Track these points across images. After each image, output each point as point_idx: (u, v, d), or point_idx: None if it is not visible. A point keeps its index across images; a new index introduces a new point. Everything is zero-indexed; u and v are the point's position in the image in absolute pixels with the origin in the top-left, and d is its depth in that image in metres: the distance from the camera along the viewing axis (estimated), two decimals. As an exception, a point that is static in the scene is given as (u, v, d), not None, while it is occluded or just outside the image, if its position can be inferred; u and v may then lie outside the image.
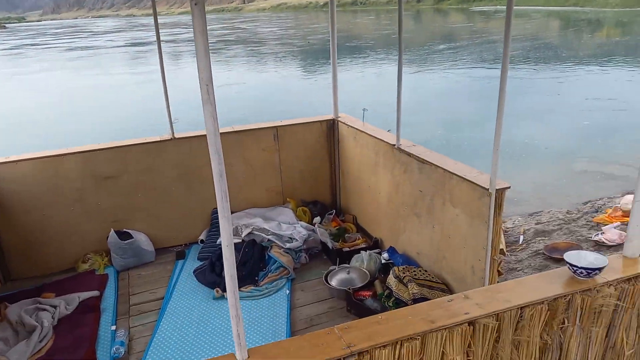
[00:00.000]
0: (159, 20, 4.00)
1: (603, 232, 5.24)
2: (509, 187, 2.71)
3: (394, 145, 3.64)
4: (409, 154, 3.48)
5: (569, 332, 1.82)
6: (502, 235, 5.94)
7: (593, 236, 5.33)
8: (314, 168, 4.75)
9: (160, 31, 3.96)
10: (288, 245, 4.09)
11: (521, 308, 1.71)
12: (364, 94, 13.78)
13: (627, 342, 1.91)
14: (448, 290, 3.26)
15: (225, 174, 1.35)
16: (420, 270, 3.44)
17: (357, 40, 30.38)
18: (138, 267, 4.07)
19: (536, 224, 6.23)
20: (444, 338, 1.63)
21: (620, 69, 17.80)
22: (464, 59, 22.02)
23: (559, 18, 39.42)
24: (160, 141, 4.17)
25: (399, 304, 3.24)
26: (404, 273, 3.37)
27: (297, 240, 4.11)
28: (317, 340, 1.57)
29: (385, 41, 32.10)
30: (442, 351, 1.65)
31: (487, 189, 2.68)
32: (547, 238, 5.72)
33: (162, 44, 4.06)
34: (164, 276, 3.93)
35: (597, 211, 6.26)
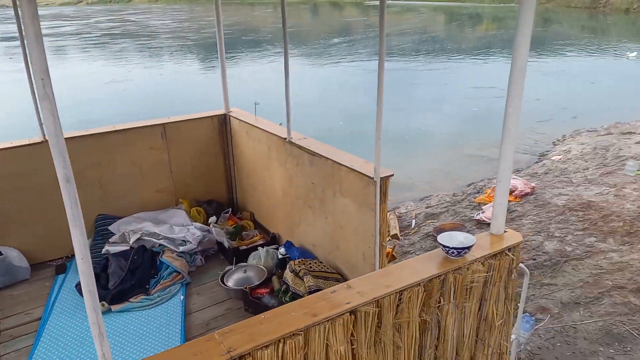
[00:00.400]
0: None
1: (483, 211, 5.70)
2: (393, 175, 2.81)
3: (286, 138, 3.62)
4: (300, 147, 3.48)
5: (445, 310, 1.92)
6: (397, 221, 6.23)
7: (475, 216, 5.77)
8: (208, 166, 4.59)
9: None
10: (182, 248, 3.91)
11: (400, 292, 1.76)
12: (263, 88, 13.69)
13: (497, 313, 2.06)
14: (342, 279, 3.33)
15: (73, 178, 1.21)
16: (315, 262, 3.46)
17: (254, 33, 30.04)
18: (10, 287, 3.65)
19: (426, 207, 6.60)
20: (326, 330, 1.63)
21: (498, 60, 19.54)
22: (359, 52, 22.74)
23: (444, 13, 42.21)
24: (30, 144, 3.77)
25: (296, 298, 3.23)
26: (299, 266, 3.37)
27: (191, 242, 3.94)
28: (197, 349, 1.49)
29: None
30: (326, 343, 1.65)
31: (373, 178, 2.75)
32: (436, 220, 6.09)
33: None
34: (41, 294, 3.57)
35: (478, 192, 6.79)
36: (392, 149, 10.23)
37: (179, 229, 4.11)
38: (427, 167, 9.11)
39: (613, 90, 13.51)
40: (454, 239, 1.91)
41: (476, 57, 20.03)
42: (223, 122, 4.48)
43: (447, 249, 1.87)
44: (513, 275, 2.05)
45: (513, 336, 2.61)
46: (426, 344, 1.95)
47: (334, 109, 12.84)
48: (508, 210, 6.01)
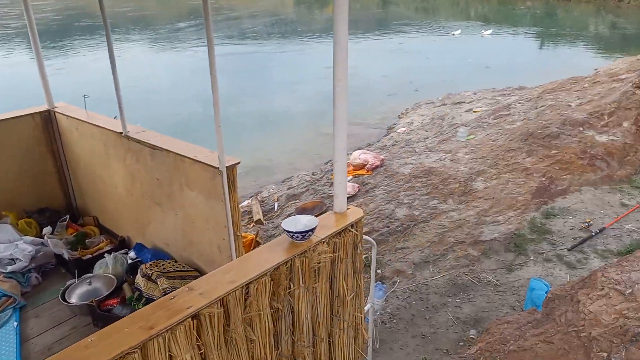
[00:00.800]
0: None
1: (341, 187, 5.92)
2: (239, 163, 2.70)
3: (121, 133, 3.29)
4: (139, 141, 3.19)
5: (297, 294, 1.89)
6: (259, 206, 6.18)
7: (332, 192, 5.97)
8: (35, 170, 4.00)
9: None
10: (10, 268, 3.38)
11: (246, 285, 1.69)
12: (101, 79, 12.52)
13: (347, 288, 2.10)
14: (201, 275, 3.16)
15: None
16: (169, 263, 3.24)
17: (89, 19, 27.25)
18: None
19: (287, 189, 6.67)
20: (167, 341, 1.49)
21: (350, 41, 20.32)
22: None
23: (292, -5, 42.76)
24: None
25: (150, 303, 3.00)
26: (151, 269, 3.13)
27: (21, 260, 3.42)
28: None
29: (125, 19, 29.72)
30: (170, 354, 1.51)
31: (218, 168, 2.62)
32: (297, 200, 6.18)
33: None
34: None
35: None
36: (253, 133, 10.15)
37: (4, 247, 3.54)
38: (287, 148, 9.20)
39: (444, 65, 14.99)
40: (299, 222, 1.89)
41: (326, 38, 20.70)
42: (47, 120, 3.93)
43: (291, 233, 1.83)
44: (359, 249, 2.10)
45: (368, 305, 2.73)
46: (281, 332, 1.92)
47: (190, 95, 12.29)
48: (362, 183, 6.32)
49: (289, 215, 5.90)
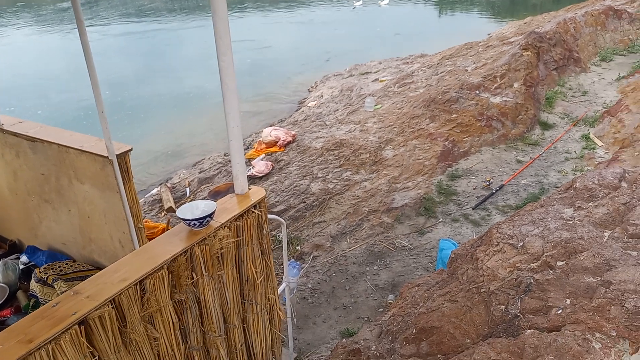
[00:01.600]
0: None
1: (253, 167, 5.80)
2: (131, 150, 2.51)
3: (-6, 126, 2.92)
4: (16, 134, 2.85)
5: (201, 284, 1.80)
6: (169, 193, 5.91)
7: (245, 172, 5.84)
8: None
9: None
10: None
11: (141, 281, 1.56)
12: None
13: (256, 271, 2.04)
14: (105, 273, 2.95)
15: None
16: (67, 264, 2.98)
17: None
18: None
19: (199, 172, 6.43)
20: (51, 354, 1.34)
21: (251, 14, 19.87)
22: (100, 15, 20.40)
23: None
24: None
25: (49, 310, 2.75)
26: (46, 273, 2.86)
27: None
28: None
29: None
30: (57, 368, 1.37)
31: (107, 157, 2.41)
32: (210, 184, 5.98)
33: None
34: None
35: (247, 148, 6.89)
36: (163, 116, 9.65)
37: None
38: (198, 130, 8.85)
39: (350, 36, 15.12)
40: (196, 209, 1.78)
41: (231, 12, 20.01)
42: None
43: (188, 221, 1.72)
44: (264, 230, 2.04)
45: (283, 285, 2.70)
46: (188, 324, 1.82)
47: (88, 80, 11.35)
48: (276, 160, 6.24)
49: (202, 199, 5.70)
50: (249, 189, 2.04)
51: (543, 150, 5.39)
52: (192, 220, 1.72)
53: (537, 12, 15.55)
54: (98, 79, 2.24)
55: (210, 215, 1.76)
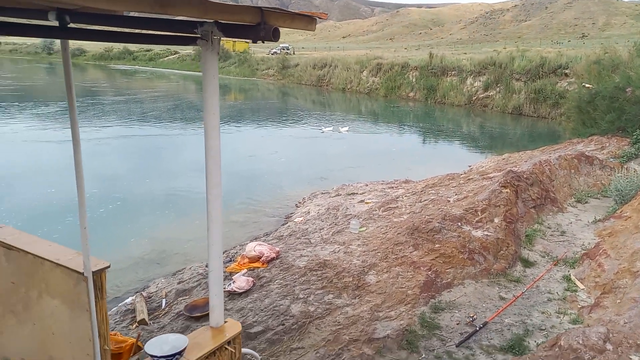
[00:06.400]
0: None
1: (234, 281, 5.65)
2: (109, 267, 2.44)
3: (-28, 229, 2.86)
4: (-7, 240, 2.78)
5: None
6: (144, 304, 5.65)
7: (226, 286, 5.66)
8: None
9: None
10: None
11: None
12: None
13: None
14: (57, 399, 2.69)
15: None
16: (17, 385, 2.73)
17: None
18: None
19: (178, 283, 6.22)
20: None
21: (248, 129, 20.87)
22: (103, 119, 21.27)
23: (194, 81, 43.55)
24: None
25: None
26: (-7, 396, 2.60)
27: None
28: None
29: (11, 93, 27.92)
30: None
31: (82, 273, 2.33)
32: (188, 296, 5.76)
33: None
34: None
35: (231, 260, 6.77)
36: (150, 219, 9.57)
37: None
38: (183, 236, 8.74)
39: (339, 156, 15.79)
40: (165, 343, 1.69)
41: (229, 124, 20.98)
42: None
43: (156, 358, 1.62)
44: (238, 369, 1.92)
45: None
46: None
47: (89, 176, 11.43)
48: (258, 277, 6.11)
49: (178, 313, 5.43)
50: (225, 322, 1.96)
51: (525, 289, 5.37)
52: (160, 357, 1.62)
53: (513, 148, 16.59)
54: (85, 195, 2.25)
55: (180, 353, 1.66)
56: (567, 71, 26.49)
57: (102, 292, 2.44)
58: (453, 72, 31.99)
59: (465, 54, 43.09)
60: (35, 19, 1.88)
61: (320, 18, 1.70)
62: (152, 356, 1.58)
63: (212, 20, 1.62)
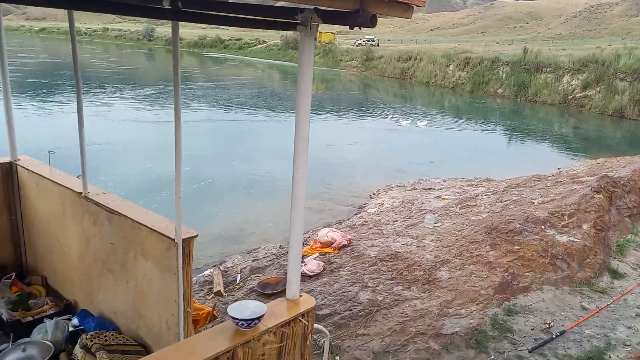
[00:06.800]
0: None
1: (305, 264, 5.82)
2: (197, 236, 2.64)
3: (81, 193, 3.21)
4: (98, 204, 3.11)
5: (237, 387, 1.78)
6: (221, 277, 6.00)
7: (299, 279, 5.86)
8: (-13, 222, 3.84)
9: None
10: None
11: (181, 376, 1.58)
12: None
13: (293, 381, 1.99)
14: (145, 352, 2.97)
15: None
16: (112, 335, 3.05)
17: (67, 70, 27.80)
18: None
19: (253, 260, 6.52)
20: None
21: (328, 118, 21.13)
22: (196, 101, 22.51)
23: (278, 70, 44.67)
24: None
25: (85, 379, 2.78)
26: (92, 341, 2.93)
27: (-49, 318, 3.17)
28: None
29: (105, 76, 30.40)
30: None
31: (174, 240, 2.55)
32: (261, 274, 6.03)
33: None
34: None
35: (303, 244, 6.97)
36: (233, 199, 10.12)
37: None
38: (262, 218, 9.12)
39: (418, 150, 15.51)
40: (246, 308, 1.82)
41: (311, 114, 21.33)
42: (9, 172, 3.83)
43: (237, 320, 1.76)
44: (308, 341, 2.02)
45: (316, 400, 2.59)
46: None
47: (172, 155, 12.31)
48: (328, 262, 6.25)
49: (251, 289, 5.72)
50: (300, 296, 2.07)
51: (612, 301, 5.02)
52: (241, 320, 1.75)
53: (611, 152, 15.33)
54: (182, 171, 2.45)
55: (259, 318, 1.79)
56: (681, 71, 23.92)
57: (190, 258, 2.66)
58: (548, 69, 30.05)
59: (564, 50, 40.23)
60: (149, 3, 2.07)
61: (417, 5, 1.72)
62: (233, 318, 1.71)
63: (312, 7, 1.70)
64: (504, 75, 32.31)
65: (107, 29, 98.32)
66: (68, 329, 3.30)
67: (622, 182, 6.79)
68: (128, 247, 2.96)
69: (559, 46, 48.97)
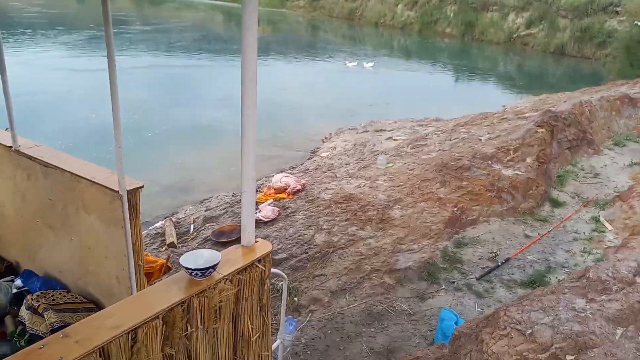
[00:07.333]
0: None
1: (260, 211, 5.78)
2: (142, 187, 2.50)
3: (11, 147, 2.95)
4: (31, 157, 2.87)
5: (194, 337, 1.74)
6: (173, 228, 5.87)
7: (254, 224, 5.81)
8: None
9: None
10: None
11: (133, 330, 1.51)
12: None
13: (252, 327, 1.97)
14: (97, 308, 2.87)
15: None
16: (60, 293, 2.92)
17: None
18: None
19: (206, 210, 6.41)
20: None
21: (277, 60, 20.53)
22: (134, 46, 21.18)
23: (221, 12, 42.54)
24: None
25: (35, 340, 2.66)
26: (38, 301, 2.79)
27: None
28: None
29: (39, 20, 27.91)
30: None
31: (118, 192, 2.40)
32: (215, 223, 5.95)
33: None
34: None
35: (257, 191, 6.90)
36: (178, 148, 9.77)
37: None
38: (211, 166, 8.91)
39: (369, 92, 15.46)
40: (199, 257, 1.74)
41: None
42: None
43: (190, 270, 1.68)
44: (266, 286, 1.99)
45: (277, 342, 2.61)
46: (176, 379, 1.74)
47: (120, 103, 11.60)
48: (283, 207, 6.22)
49: (205, 238, 5.64)
50: (256, 242, 2.01)
51: (552, 228, 5.33)
52: (195, 270, 1.68)
53: (552, 89, 15.87)
54: (120, 116, 2.27)
55: (214, 267, 1.72)
56: (618, 9, 24.66)
57: (137, 210, 2.52)
58: (495, 7, 30.18)
59: (508, -14, 40.41)
60: None
61: None
62: (186, 268, 1.64)
63: None
64: (451, 14, 32.23)
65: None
66: (11, 291, 3.13)
67: (563, 116, 7.06)
68: (68, 202, 2.78)
69: (503, -17, 49.08)
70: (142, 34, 25.38)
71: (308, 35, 32.45)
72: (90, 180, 2.55)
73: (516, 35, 28.17)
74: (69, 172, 2.66)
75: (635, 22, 13.81)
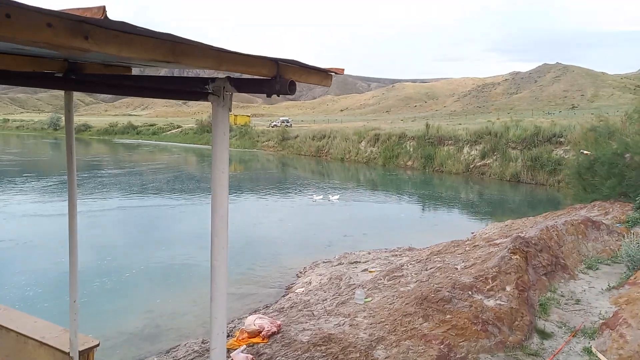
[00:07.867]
0: None
1: (232, 359, 5.28)
2: (98, 345, 2.22)
3: (-47, 304, 2.65)
4: (-25, 316, 2.57)
5: None
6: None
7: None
8: None
9: None
10: None
11: None
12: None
13: None
14: None
15: None
16: None
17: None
18: None
19: (173, 359, 5.83)
20: None
21: (249, 198, 20.86)
22: (111, 189, 21.33)
23: (194, 153, 44.28)
24: None
25: None
26: None
27: None
28: None
29: (1, 169, 28.23)
30: None
31: (68, 353, 2.11)
32: (180, 377, 5.36)
33: None
34: None
35: (229, 335, 6.39)
36: (148, 290, 9.26)
37: None
38: (179, 309, 8.38)
39: (336, 224, 15.58)
40: None
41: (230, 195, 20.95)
42: None
43: None
44: None
45: None
46: None
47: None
48: (257, 353, 5.73)
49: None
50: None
51: (545, 362, 5.01)
52: None
53: (515, 215, 16.43)
54: (78, 267, 2.09)
55: None
56: (562, 139, 26.99)
57: (89, 373, 2.21)
58: (450, 142, 32.57)
59: (460, 124, 44.17)
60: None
61: (336, 73, 1.64)
62: None
63: (224, 76, 1.56)
64: (411, 149, 34.45)
65: (8, 119, 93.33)
66: None
67: (533, 242, 7.13)
68: (12, 367, 2.43)
69: (455, 121, 53.75)
70: (115, 177, 25.79)
71: (278, 172, 33.70)
72: (39, 341, 2.26)
73: (473, 165, 30.00)
74: (15, 332, 2.36)
75: (581, 150, 14.97)
